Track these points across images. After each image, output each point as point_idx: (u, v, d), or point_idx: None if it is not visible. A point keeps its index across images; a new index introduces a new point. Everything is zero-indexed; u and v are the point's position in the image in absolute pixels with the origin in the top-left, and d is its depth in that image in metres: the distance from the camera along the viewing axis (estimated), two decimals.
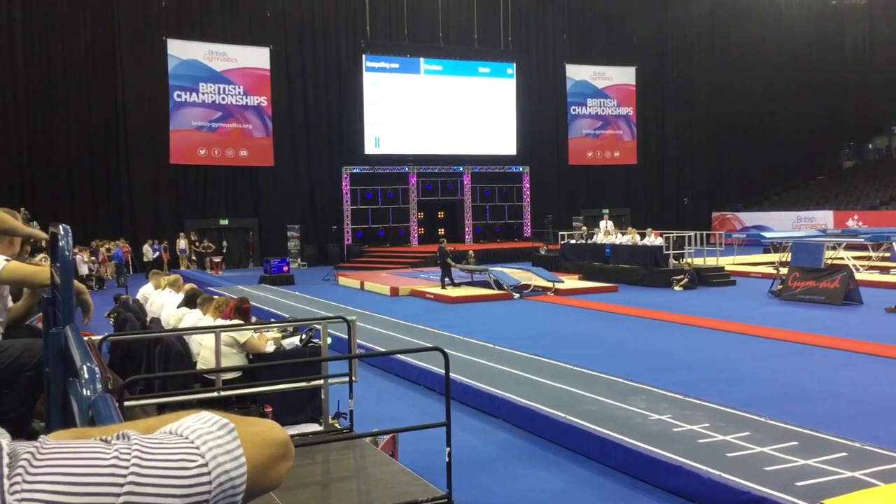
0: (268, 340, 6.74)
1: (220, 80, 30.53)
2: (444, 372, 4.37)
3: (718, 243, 24.61)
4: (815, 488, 5.20)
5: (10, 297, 3.30)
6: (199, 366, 6.48)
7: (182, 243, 28.34)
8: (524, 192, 36.07)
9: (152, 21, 29.15)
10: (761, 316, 14.51)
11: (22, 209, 6.45)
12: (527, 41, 36.26)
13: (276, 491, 2.50)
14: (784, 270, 18.28)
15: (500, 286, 19.36)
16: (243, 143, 31.05)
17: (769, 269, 21.12)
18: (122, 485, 0.64)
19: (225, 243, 30.57)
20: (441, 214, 34.88)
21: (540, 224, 33.40)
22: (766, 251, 28.26)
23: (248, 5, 31.14)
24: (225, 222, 30.86)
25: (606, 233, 24.30)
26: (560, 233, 26.52)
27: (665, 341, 12.24)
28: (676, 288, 19.49)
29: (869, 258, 23.51)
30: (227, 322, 6.72)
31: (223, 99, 30.69)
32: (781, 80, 40.64)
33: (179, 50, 29.75)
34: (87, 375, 1.50)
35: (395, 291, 19.97)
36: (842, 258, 20.31)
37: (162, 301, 8.76)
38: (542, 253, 26.82)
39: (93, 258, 24.46)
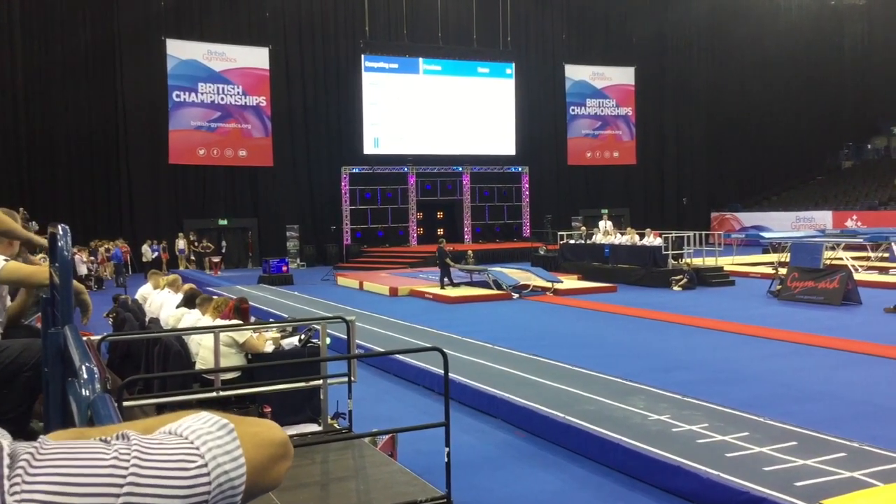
0: (267, 340, 6.74)
1: (219, 80, 30.52)
2: (443, 372, 4.38)
3: (717, 243, 24.61)
4: (814, 488, 5.20)
5: (8, 298, 3.30)
6: (198, 366, 6.48)
7: (181, 243, 28.31)
8: (523, 192, 36.07)
9: (152, 21, 29.14)
10: (760, 316, 14.51)
11: (21, 209, 6.44)
12: (526, 41, 36.25)
13: (276, 491, 2.50)
14: (783, 271, 18.29)
15: (499, 286, 19.36)
16: (242, 143, 31.04)
17: (768, 270, 21.11)
18: (121, 485, 0.64)
19: (224, 243, 30.54)
20: (440, 214, 34.85)
21: (539, 224, 33.39)
22: (765, 251, 28.28)
23: (247, 5, 31.13)
24: (224, 222, 30.85)
25: (605, 233, 24.30)
26: (559, 233, 26.55)
27: (664, 341, 12.24)
28: (675, 288, 19.49)
29: (868, 258, 23.51)
30: (226, 322, 6.72)
31: (222, 99, 30.68)
32: (780, 80, 40.67)
33: (179, 50, 29.74)
34: (85, 375, 1.50)
35: (394, 291, 19.97)
36: (841, 258, 20.34)
37: (161, 301, 8.76)
38: (542, 253, 26.81)
39: (92, 258, 24.45)
